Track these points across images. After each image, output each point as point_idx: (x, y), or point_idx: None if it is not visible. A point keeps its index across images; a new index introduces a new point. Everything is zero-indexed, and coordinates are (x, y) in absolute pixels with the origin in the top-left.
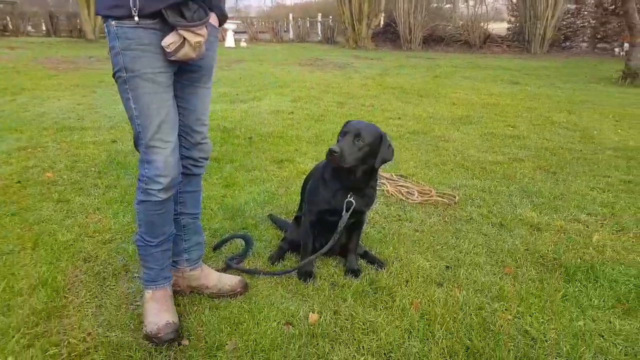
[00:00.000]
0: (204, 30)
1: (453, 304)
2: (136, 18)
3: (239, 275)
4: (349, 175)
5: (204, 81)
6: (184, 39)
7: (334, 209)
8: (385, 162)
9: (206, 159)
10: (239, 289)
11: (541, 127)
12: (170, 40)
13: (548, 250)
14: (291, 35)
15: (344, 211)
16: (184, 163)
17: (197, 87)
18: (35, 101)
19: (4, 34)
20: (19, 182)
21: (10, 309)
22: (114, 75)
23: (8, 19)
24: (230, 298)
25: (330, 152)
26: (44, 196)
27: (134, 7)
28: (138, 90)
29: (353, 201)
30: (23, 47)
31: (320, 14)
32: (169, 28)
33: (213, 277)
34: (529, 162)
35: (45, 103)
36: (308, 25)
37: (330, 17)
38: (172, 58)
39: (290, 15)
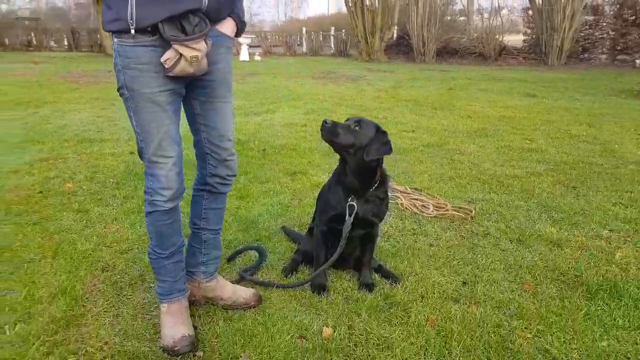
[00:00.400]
0: (201, 44)
1: (470, 320)
2: (132, 31)
3: (253, 288)
4: (347, 175)
5: (220, 95)
6: (180, 54)
7: (340, 213)
8: (378, 157)
9: (234, 175)
10: (252, 302)
11: (560, 141)
12: (167, 56)
13: (569, 267)
14: (304, 48)
15: (347, 216)
16: (211, 181)
17: (214, 102)
18: (57, 114)
19: (28, 49)
20: (40, 192)
21: (31, 317)
22: (118, 90)
23: (32, 34)
24: (244, 310)
25: (323, 122)
26: (65, 206)
27: (131, 19)
28: (138, 109)
29: (355, 204)
30: (46, 62)
31: (333, 28)
32: (167, 44)
33: (228, 289)
34: (547, 176)
35: (66, 115)
36: (321, 39)
37: (343, 30)
38: (170, 74)
39: (304, 29)
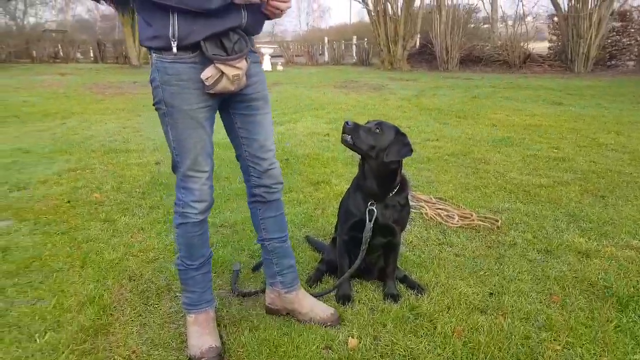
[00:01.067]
0: (242, 63)
1: (498, 332)
2: (174, 49)
3: (332, 306)
4: (367, 178)
5: (259, 107)
6: (222, 72)
7: (360, 220)
8: (398, 158)
9: (279, 183)
10: (329, 322)
11: (587, 149)
12: (208, 74)
13: (598, 278)
14: (326, 57)
15: (367, 221)
16: (257, 192)
17: (254, 115)
18: (83, 124)
19: (55, 60)
20: (68, 202)
21: (60, 325)
22: (154, 105)
23: (59, 46)
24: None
25: (345, 123)
26: (92, 216)
27: (173, 38)
28: (176, 124)
29: (374, 209)
30: (73, 73)
31: (355, 37)
32: (207, 60)
33: (306, 304)
34: (575, 186)
35: (93, 126)
36: (343, 48)
37: (365, 39)
38: (210, 91)
39: (326, 39)
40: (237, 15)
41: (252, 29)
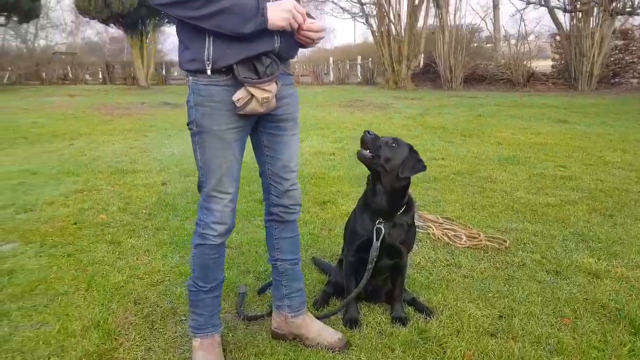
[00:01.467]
0: (272, 86)
1: (509, 356)
2: (209, 72)
3: (339, 330)
4: (376, 195)
5: (287, 128)
6: (252, 95)
7: (367, 239)
8: (413, 174)
9: (297, 205)
10: (337, 347)
11: (594, 167)
12: (239, 96)
13: (609, 300)
14: (331, 77)
15: (374, 239)
16: (275, 210)
17: (282, 135)
18: (91, 145)
19: (64, 82)
20: (75, 223)
21: (64, 350)
22: (187, 125)
23: (68, 68)
24: (290, 342)
25: (365, 133)
26: (98, 237)
27: (207, 60)
28: (205, 145)
29: (382, 228)
30: (81, 95)
31: (360, 57)
32: (239, 83)
33: (314, 329)
34: (582, 205)
35: (100, 147)
36: (348, 68)
37: (370, 59)
38: (240, 112)
39: (331, 59)
40: (270, 40)
41: (286, 54)
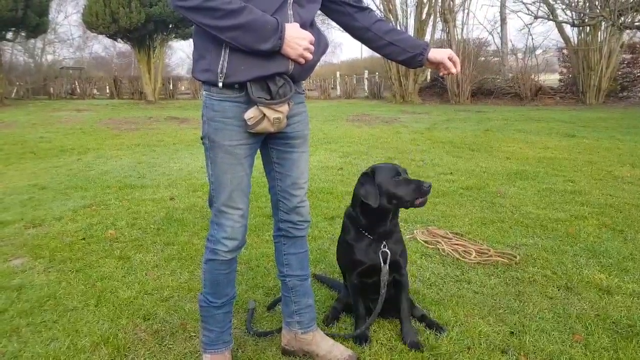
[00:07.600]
0: (284, 107)
1: None
2: (220, 84)
3: (349, 347)
4: (382, 221)
5: (297, 146)
6: (264, 114)
7: (373, 264)
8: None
9: (306, 221)
10: None
11: (603, 182)
12: (250, 115)
13: (621, 316)
14: (338, 92)
15: (382, 264)
16: (284, 226)
17: (291, 152)
18: (99, 160)
19: (72, 97)
20: (83, 239)
21: None
22: (201, 139)
23: (76, 83)
24: None
25: (429, 187)
26: (107, 253)
27: (221, 73)
28: (216, 159)
29: (387, 251)
30: (89, 110)
31: (366, 71)
32: (252, 101)
33: (324, 347)
34: (592, 220)
35: (108, 162)
36: (355, 82)
37: (377, 73)
38: (251, 130)
39: (338, 73)
40: (283, 62)
41: (299, 76)
